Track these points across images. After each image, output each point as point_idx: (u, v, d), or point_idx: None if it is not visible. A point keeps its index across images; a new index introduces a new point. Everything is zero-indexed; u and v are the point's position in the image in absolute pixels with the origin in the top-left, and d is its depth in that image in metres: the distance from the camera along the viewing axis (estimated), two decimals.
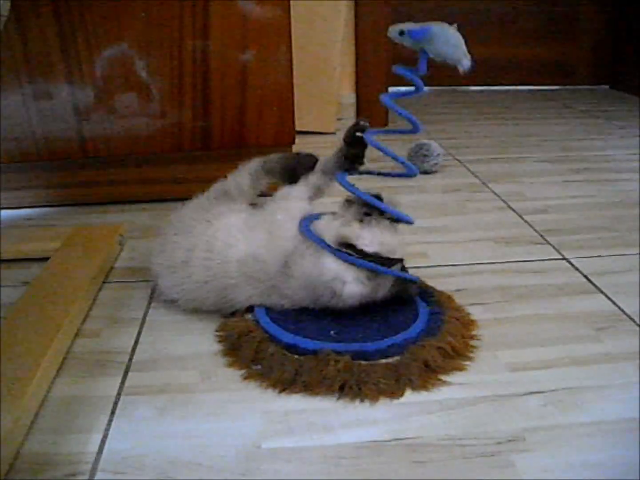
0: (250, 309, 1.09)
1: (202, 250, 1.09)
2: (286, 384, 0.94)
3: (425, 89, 1.11)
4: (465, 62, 1.06)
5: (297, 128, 1.73)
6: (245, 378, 0.97)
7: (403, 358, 0.98)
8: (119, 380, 0.96)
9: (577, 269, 1.34)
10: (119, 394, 0.93)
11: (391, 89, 2.69)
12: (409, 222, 1.10)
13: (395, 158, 1.08)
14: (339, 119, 2.54)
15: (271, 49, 1.62)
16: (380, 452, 0.82)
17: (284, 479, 0.78)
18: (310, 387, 0.93)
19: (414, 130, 1.11)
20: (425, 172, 1.97)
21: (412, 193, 1.80)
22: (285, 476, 0.78)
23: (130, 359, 1.02)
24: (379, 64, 2.58)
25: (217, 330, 1.08)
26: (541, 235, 1.52)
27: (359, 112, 2.61)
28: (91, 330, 1.11)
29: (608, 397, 0.94)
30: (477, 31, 3.50)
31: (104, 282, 1.27)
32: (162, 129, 1.64)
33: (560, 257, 1.40)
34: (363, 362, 0.96)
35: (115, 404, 0.91)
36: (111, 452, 0.82)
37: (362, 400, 0.92)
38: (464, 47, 1.07)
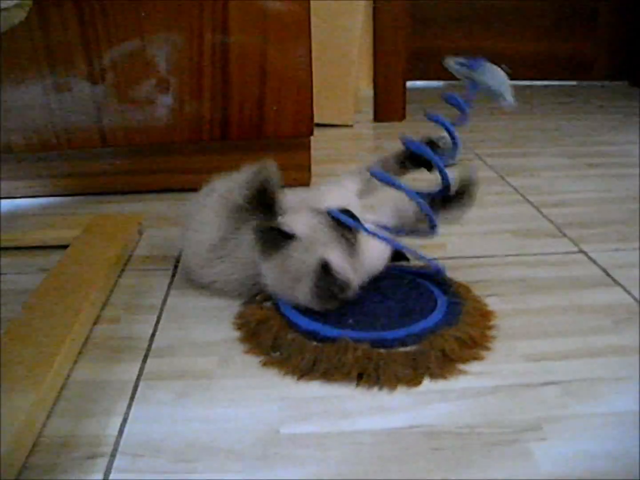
0: (269, 296, 1.09)
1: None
2: (305, 371, 0.94)
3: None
4: (509, 98, 1.15)
5: (315, 120, 1.73)
6: (264, 364, 0.97)
7: (421, 347, 0.98)
8: (138, 365, 0.97)
9: (594, 262, 1.34)
10: (138, 379, 0.94)
11: (409, 83, 2.69)
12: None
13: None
14: (356, 112, 2.55)
15: (291, 42, 1.63)
16: (398, 439, 0.83)
17: (302, 464, 0.78)
18: (328, 374, 0.93)
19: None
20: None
21: (430, 186, 1.79)
22: (303, 461, 0.79)
23: (150, 345, 1.02)
24: (397, 59, 2.58)
25: (235, 318, 1.09)
26: (559, 229, 1.51)
27: (376, 106, 2.61)
28: (111, 316, 1.11)
29: (624, 389, 0.94)
30: (494, 25, 3.49)
31: (122, 270, 1.28)
32: (181, 119, 1.65)
33: (578, 250, 1.40)
34: (381, 350, 0.96)
35: (135, 388, 0.92)
36: (130, 435, 0.83)
37: (380, 388, 0.92)
38: (509, 85, 1.16)
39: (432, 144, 1.20)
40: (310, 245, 1.03)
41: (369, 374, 0.93)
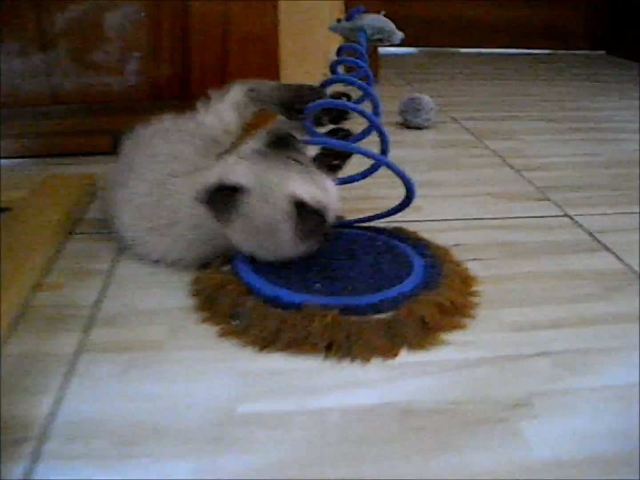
0: (228, 261, 0.98)
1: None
2: (267, 342, 0.84)
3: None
4: (397, 34, 1.34)
5: (283, 80, 1.62)
6: (222, 335, 0.87)
7: (398, 313, 0.87)
8: (80, 336, 0.86)
9: (580, 226, 1.25)
10: (79, 351, 0.83)
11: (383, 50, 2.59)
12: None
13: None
14: (324, 75, 2.43)
15: None
16: (371, 417, 0.73)
17: (261, 447, 0.68)
18: (293, 345, 0.83)
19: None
20: (418, 127, 1.87)
21: (405, 147, 1.70)
22: (263, 444, 0.69)
23: (94, 314, 0.91)
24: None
25: (191, 284, 0.98)
26: (541, 192, 1.42)
27: (346, 70, 2.49)
28: (53, 283, 1.00)
29: (620, 360, 0.85)
30: None
31: (70, 233, 1.16)
32: (138, 76, 1.53)
33: (563, 213, 1.31)
34: (353, 318, 0.86)
35: (75, 362, 0.81)
36: (66, 415, 0.72)
37: (352, 360, 0.82)
38: (392, 24, 1.34)
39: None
40: (264, 190, 0.90)
41: (339, 344, 0.83)
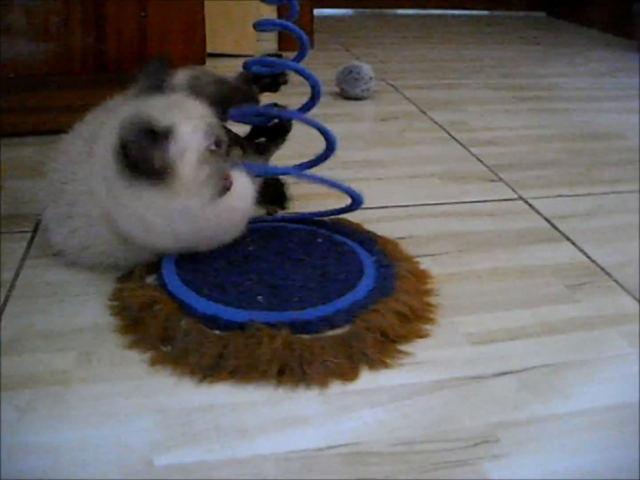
0: (153, 269, 0.85)
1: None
2: (207, 370, 0.72)
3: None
4: None
5: (212, 50, 1.49)
6: (153, 363, 0.74)
7: (355, 327, 0.77)
8: None
9: (536, 211, 1.16)
10: None
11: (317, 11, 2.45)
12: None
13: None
14: (257, 41, 2.28)
15: None
16: (312, 465, 0.62)
17: None
18: (239, 374, 0.71)
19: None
20: (356, 98, 1.75)
21: (342, 121, 1.57)
22: None
23: None
24: None
25: (110, 299, 0.84)
26: (492, 171, 1.32)
27: (280, 34, 2.35)
28: None
29: (594, 375, 0.76)
30: None
31: None
32: (48, 49, 1.37)
33: (517, 196, 1.21)
34: (305, 336, 0.74)
35: None
36: None
37: (307, 386, 0.71)
38: None
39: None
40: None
41: (291, 369, 0.71)
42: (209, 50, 1.51)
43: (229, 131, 0.86)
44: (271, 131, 1.01)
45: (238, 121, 0.96)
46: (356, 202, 0.96)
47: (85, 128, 0.93)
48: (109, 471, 0.60)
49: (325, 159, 0.97)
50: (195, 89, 0.96)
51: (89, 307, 0.84)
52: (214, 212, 0.81)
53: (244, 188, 0.86)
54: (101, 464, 0.61)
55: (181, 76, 0.99)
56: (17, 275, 0.91)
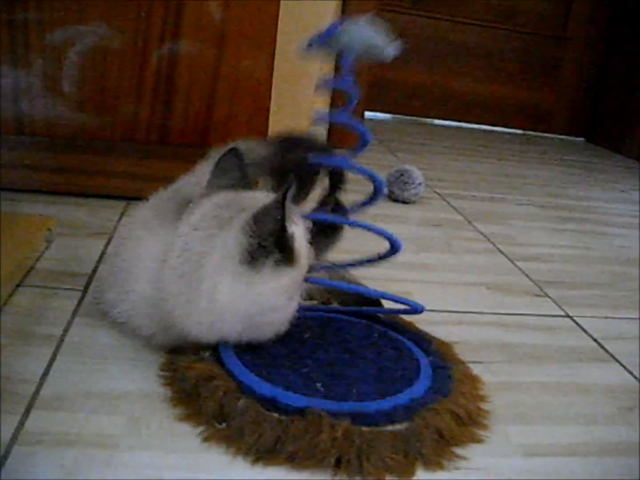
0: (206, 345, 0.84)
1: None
2: (263, 452, 0.70)
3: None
4: (390, 49, 0.90)
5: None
6: (206, 439, 0.72)
7: (413, 424, 0.75)
8: (16, 421, 0.71)
9: (584, 330, 1.15)
10: (11, 443, 0.67)
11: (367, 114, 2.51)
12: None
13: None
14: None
15: (252, 47, 1.42)
16: None
17: None
18: (296, 459, 0.69)
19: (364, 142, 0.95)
20: (404, 202, 1.77)
21: (390, 223, 1.58)
22: None
23: (37, 392, 0.76)
24: (358, 81, 2.38)
25: (163, 368, 0.83)
26: (538, 286, 1.32)
27: (330, 129, 2.40)
28: None
29: None
30: (458, 64, 3.35)
31: (18, 285, 1.01)
32: (113, 116, 1.40)
33: (564, 314, 1.20)
34: (365, 429, 0.73)
35: (4, 458, 0.66)
36: None
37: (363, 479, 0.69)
38: (383, 34, 0.90)
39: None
40: None
41: (348, 461, 0.69)
42: None
43: None
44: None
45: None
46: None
47: (160, 204, 0.94)
48: None
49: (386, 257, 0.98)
50: (252, 164, 0.97)
51: (139, 373, 0.82)
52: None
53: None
54: None
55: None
56: (65, 332, 0.90)
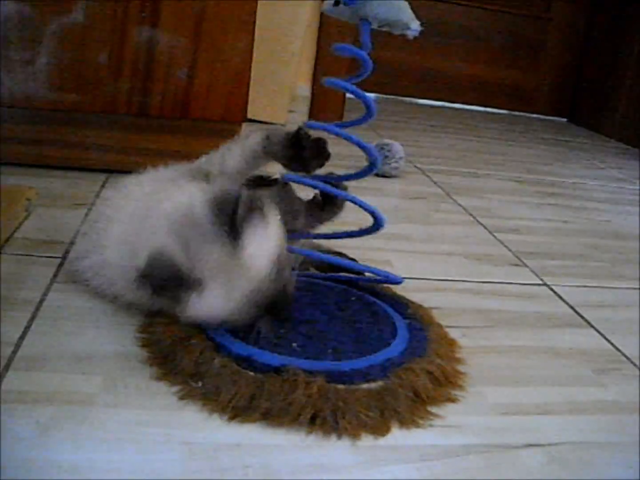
0: None
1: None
2: (239, 410, 0.70)
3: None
4: (413, 26, 0.89)
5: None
6: (182, 397, 0.72)
7: (388, 383, 0.75)
8: None
9: (561, 297, 1.16)
10: None
11: None
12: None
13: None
14: (290, 111, 2.33)
15: (232, 21, 1.41)
16: None
17: None
18: (272, 416, 0.70)
19: (369, 114, 0.94)
20: (385, 175, 1.77)
21: (371, 195, 1.57)
22: None
23: (14, 353, 0.76)
24: (341, 59, 2.37)
25: (138, 332, 0.83)
26: (516, 256, 1.33)
27: (312, 106, 2.40)
28: None
29: (623, 459, 0.74)
30: (442, 45, 3.34)
31: None
32: (94, 86, 1.39)
33: (541, 282, 1.22)
34: (340, 387, 0.73)
35: None
36: None
37: (339, 436, 0.69)
38: (409, 9, 0.89)
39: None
40: None
41: (324, 417, 0.70)
42: None
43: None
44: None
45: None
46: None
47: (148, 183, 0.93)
48: None
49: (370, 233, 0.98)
50: (270, 152, 0.97)
51: (115, 335, 0.83)
52: None
53: None
54: None
55: (253, 139, 0.98)
56: (44, 297, 0.90)
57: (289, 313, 0.80)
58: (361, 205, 0.93)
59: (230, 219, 0.74)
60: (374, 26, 0.89)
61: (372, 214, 0.94)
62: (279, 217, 0.81)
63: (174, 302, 0.76)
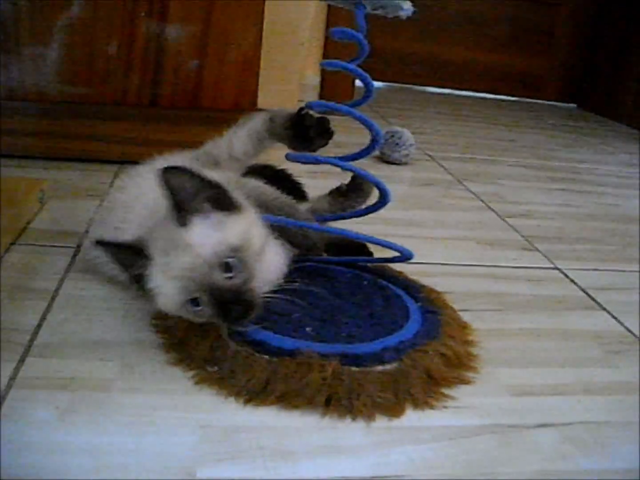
0: None
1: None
2: (254, 394, 0.71)
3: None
4: (405, 6, 0.90)
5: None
6: (198, 382, 0.73)
7: (402, 365, 0.76)
8: (13, 365, 0.73)
9: (572, 280, 1.16)
10: (9, 385, 0.69)
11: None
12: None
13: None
14: (299, 100, 2.33)
15: (241, 8, 1.41)
16: None
17: None
18: (286, 399, 0.71)
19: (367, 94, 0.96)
20: (395, 163, 1.77)
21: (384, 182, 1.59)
22: None
23: (32, 340, 0.78)
24: (350, 47, 2.37)
25: (154, 318, 0.84)
26: (528, 241, 1.33)
27: (322, 95, 2.40)
28: None
29: (635, 437, 0.75)
30: (448, 31, 3.33)
31: (12, 244, 1.02)
32: (105, 78, 1.40)
33: (552, 266, 1.22)
34: (354, 369, 0.74)
35: (2, 400, 0.67)
36: None
37: (353, 418, 0.70)
38: None
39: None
40: None
41: (338, 400, 0.71)
42: None
43: None
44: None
45: (295, 161, 0.96)
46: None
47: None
48: (148, 476, 0.60)
49: (377, 209, 0.99)
50: (275, 132, 0.98)
51: (130, 322, 0.84)
52: None
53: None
54: (143, 470, 0.60)
55: (257, 120, 1.00)
56: (59, 286, 0.91)
57: (245, 313, 0.74)
58: (369, 179, 0.95)
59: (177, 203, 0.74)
60: (368, 9, 0.91)
61: (379, 187, 0.95)
62: (255, 213, 0.81)
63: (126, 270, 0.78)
